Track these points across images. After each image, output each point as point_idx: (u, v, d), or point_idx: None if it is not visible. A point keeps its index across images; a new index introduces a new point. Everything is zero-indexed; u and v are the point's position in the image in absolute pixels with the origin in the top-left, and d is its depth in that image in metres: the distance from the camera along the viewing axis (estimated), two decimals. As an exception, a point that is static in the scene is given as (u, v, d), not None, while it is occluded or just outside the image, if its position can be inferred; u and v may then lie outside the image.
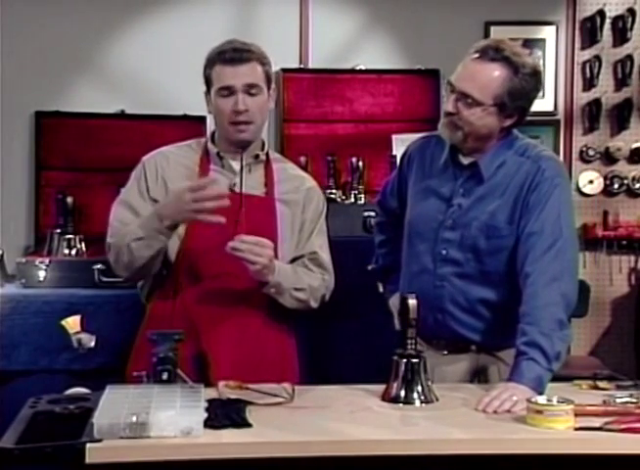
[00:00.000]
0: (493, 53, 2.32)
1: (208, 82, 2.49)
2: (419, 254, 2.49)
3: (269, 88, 2.50)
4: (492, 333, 2.42)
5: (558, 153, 4.45)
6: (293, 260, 2.55)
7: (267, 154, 2.59)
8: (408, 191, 2.58)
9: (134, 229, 2.40)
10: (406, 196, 2.59)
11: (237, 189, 2.48)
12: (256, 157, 2.54)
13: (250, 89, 2.44)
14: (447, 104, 2.38)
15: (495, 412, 2.07)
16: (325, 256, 2.60)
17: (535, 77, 2.37)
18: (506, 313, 2.35)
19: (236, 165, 2.51)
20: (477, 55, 2.34)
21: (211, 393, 2.15)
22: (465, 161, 2.45)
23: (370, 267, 2.82)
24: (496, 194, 2.39)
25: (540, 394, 2.11)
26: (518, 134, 2.47)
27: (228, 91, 2.43)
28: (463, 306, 2.43)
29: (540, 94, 2.49)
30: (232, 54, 2.43)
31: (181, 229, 2.44)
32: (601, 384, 2.35)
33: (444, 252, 2.43)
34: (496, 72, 2.32)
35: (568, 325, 2.27)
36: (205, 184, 2.30)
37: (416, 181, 2.55)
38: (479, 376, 2.46)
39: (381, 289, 3.84)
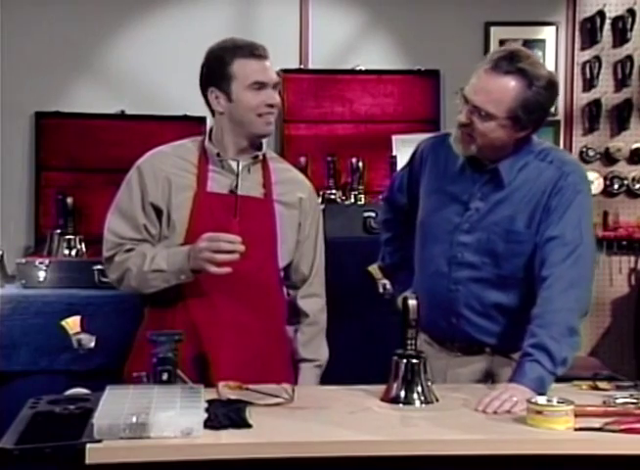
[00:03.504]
0: (507, 65, 2.27)
1: (225, 77, 2.44)
2: (432, 256, 2.46)
3: None
4: (507, 336, 2.39)
5: (558, 153, 4.46)
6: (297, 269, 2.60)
7: (264, 153, 2.59)
8: (420, 189, 2.53)
9: (158, 259, 2.40)
10: (417, 193, 2.55)
11: (238, 191, 2.48)
12: (255, 157, 2.54)
13: (276, 86, 2.47)
14: (461, 115, 2.33)
15: (495, 413, 2.07)
16: (323, 276, 2.67)
17: (550, 90, 2.31)
18: (521, 317, 2.30)
19: (236, 166, 2.50)
20: (489, 65, 2.28)
21: (211, 393, 2.15)
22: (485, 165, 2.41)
23: (377, 265, 2.79)
24: (515, 198, 2.36)
25: (542, 389, 2.11)
26: (536, 138, 2.43)
27: (260, 85, 2.43)
28: (478, 311, 2.40)
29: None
30: (254, 49, 2.44)
31: (182, 231, 2.44)
32: (601, 384, 2.34)
33: (460, 255, 2.40)
34: (510, 86, 2.26)
35: (579, 333, 2.26)
36: (221, 238, 2.30)
37: (429, 181, 2.51)
38: (492, 377, 2.44)
39: (380, 289, 3.86)
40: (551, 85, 2.32)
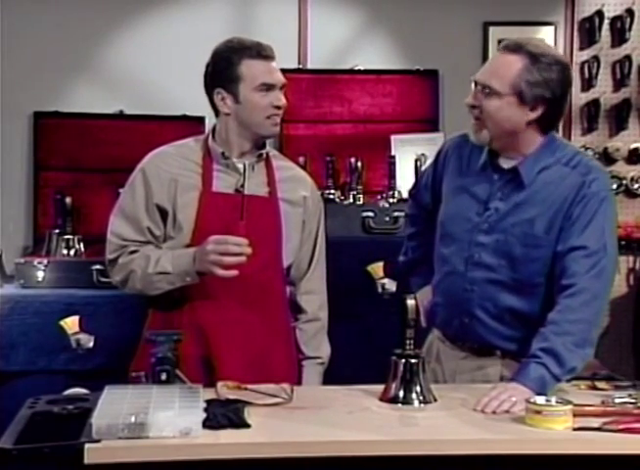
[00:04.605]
0: (515, 46, 2.30)
1: (234, 78, 2.44)
2: (450, 255, 2.45)
3: None
4: (520, 341, 2.35)
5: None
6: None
7: (267, 151, 2.59)
8: (442, 188, 2.52)
9: (163, 262, 2.40)
10: (439, 192, 2.54)
11: (243, 190, 2.48)
12: (259, 156, 2.54)
13: (283, 87, 2.48)
14: (468, 98, 2.35)
15: (494, 413, 2.07)
16: (323, 273, 2.66)
17: (557, 66, 2.29)
18: (535, 324, 2.28)
19: (240, 166, 2.49)
20: (500, 49, 2.34)
21: (210, 393, 2.15)
22: (505, 164, 2.39)
23: (400, 259, 2.77)
24: (536, 202, 2.33)
25: (543, 390, 2.12)
26: (560, 139, 2.42)
27: (267, 87, 2.44)
28: (492, 313, 2.38)
29: (564, 114, 2.45)
30: (262, 49, 2.44)
31: (188, 231, 2.44)
32: (599, 384, 2.35)
33: (477, 255, 2.39)
34: (514, 63, 2.28)
35: (593, 345, 2.25)
36: (229, 241, 2.30)
37: (452, 179, 2.50)
38: (501, 380, 2.39)
39: (379, 289, 3.86)
40: (558, 63, 2.30)
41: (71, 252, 3.91)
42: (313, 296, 2.63)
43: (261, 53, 2.44)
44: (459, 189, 2.46)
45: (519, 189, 2.36)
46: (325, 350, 2.64)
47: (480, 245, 2.39)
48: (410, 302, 2.21)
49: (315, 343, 2.62)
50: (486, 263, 2.38)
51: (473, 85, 2.35)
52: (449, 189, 2.50)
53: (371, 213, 3.97)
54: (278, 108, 2.46)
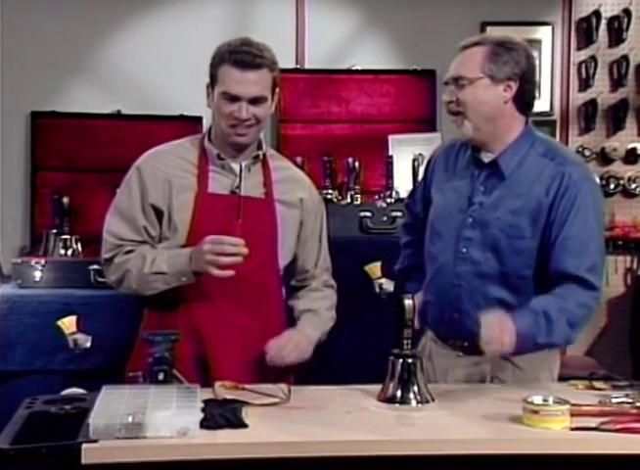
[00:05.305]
0: (474, 40, 2.41)
1: (213, 79, 2.44)
2: (439, 252, 2.48)
3: (273, 93, 2.47)
4: None
5: (554, 153, 4.46)
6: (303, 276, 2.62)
7: (264, 152, 2.58)
8: (431, 193, 2.57)
9: (158, 261, 2.39)
10: (430, 200, 2.58)
11: (239, 191, 2.48)
12: (255, 157, 2.53)
13: (255, 100, 2.41)
14: (443, 97, 2.43)
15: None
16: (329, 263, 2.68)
17: (519, 45, 2.39)
18: None
19: (236, 167, 2.49)
20: (461, 50, 2.42)
21: (208, 393, 2.15)
22: (485, 158, 2.44)
23: (396, 267, 2.79)
24: (517, 193, 2.37)
25: (521, 347, 2.19)
26: (538, 133, 2.47)
27: (230, 97, 2.39)
28: (481, 307, 2.37)
29: (536, 94, 2.50)
30: (243, 56, 2.38)
31: (184, 232, 2.44)
32: (597, 384, 2.35)
33: (464, 250, 2.42)
34: (479, 51, 2.38)
35: (579, 329, 2.30)
36: (225, 241, 2.30)
37: (439, 180, 2.55)
38: (492, 380, 2.43)
39: (377, 289, 3.87)
40: (519, 43, 2.40)
41: (69, 252, 3.91)
42: (319, 293, 2.63)
43: (239, 60, 2.37)
44: (445, 188, 2.52)
45: (500, 182, 2.41)
46: (321, 304, 2.58)
47: (467, 239, 2.42)
48: (407, 301, 2.21)
49: (309, 298, 2.59)
50: (473, 257, 2.41)
51: (445, 86, 2.43)
52: (437, 189, 2.56)
53: (368, 213, 3.97)
54: (240, 119, 2.40)
